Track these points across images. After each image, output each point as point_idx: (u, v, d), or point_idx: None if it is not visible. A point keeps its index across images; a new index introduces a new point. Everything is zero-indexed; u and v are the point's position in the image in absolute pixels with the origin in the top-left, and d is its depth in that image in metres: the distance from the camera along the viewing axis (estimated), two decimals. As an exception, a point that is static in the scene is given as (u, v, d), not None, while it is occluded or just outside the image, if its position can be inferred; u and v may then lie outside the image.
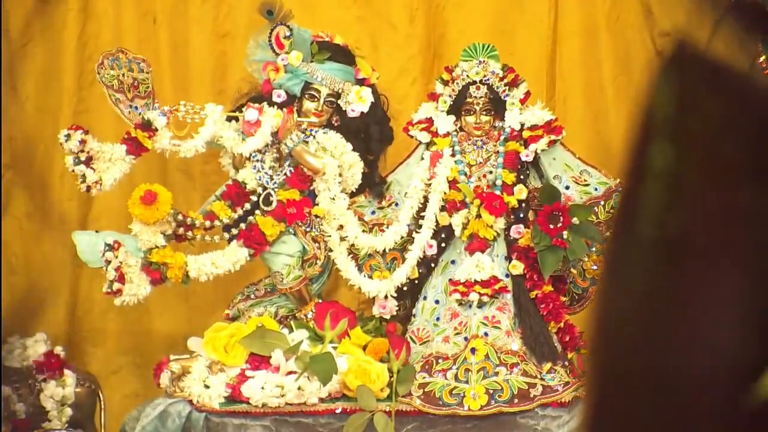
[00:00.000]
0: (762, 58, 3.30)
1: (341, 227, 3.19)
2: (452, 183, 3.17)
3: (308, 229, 3.20)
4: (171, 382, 2.99)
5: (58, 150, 3.34)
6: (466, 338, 3.05)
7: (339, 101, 3.19)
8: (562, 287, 3.17)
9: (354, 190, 3.24)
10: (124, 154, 3.00)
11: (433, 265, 3.21)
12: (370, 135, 3.22)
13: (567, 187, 3.14)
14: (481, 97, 3.17)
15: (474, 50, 3.19)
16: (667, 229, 0.67)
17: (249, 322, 3.09)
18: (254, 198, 3.15)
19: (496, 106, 3.18)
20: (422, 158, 3.23)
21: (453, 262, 3.19)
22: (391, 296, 3.21)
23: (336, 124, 3.22)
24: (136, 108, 3.05)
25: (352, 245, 3.21)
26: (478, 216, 3.12)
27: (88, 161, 2.97)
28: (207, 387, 2.94)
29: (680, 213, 0.67)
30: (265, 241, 3.13)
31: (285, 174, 3.16)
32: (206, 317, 3.54)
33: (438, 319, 3.15)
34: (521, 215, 3.14)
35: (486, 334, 3.03)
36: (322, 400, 2.96)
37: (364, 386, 2.94)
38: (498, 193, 3.13)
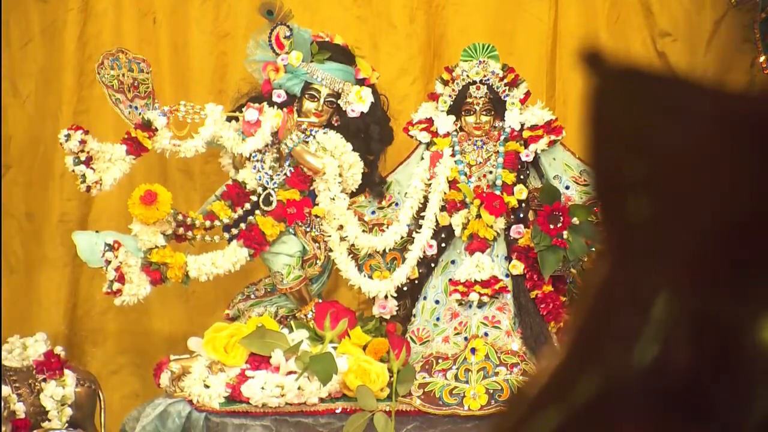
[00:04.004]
0: (762, 58, 3.29)
1: (341, 227, 3.19)
2: (452, 183, 3.17)
3: (308, 229, 3.21)
4: (171, 382, 2.99)
5: (58, 150, 3.34)
6: (466, 338, 3.05)
7: (339, 101, 3.19)
8: (562, 287, 3.16)
9: (354, 190, 3.24)
10: (124, 154, 3.00)
11: (433, 265, 3.21)
12: (370, 135, 3.22)
13: (567, 187, 3.14)
14: (481, 97, 3.17)
15: (474, 50, 3.19)
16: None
17: (249, 322, 3.09)
18: (254, 198, 3.15)
19: (496, 106, 3.18)
20: (422, 158, 3.24)
21: (453, 262, 3.19)
22: (391, 296, 3.21)
23: (336, 124, 3.22)
24: (136, 108, 3.06)
25: (352, 245, 3.21)
26: (478, 216, 3.12)
27: (88, 161, 2.97)
28: (207, 387, 2.94)
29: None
30: (265, 241, 3.13)
31: (285, 174, 3.16)
32: (206, 317, 3.55)
33: (438, 319, 3.15)
34: (521, 215, 3.14)
35: (486, 334, 3.03)
36: (322, 400, 2.96)
37: (364, 386, 2.94)
38: (498, 193, 3.13)
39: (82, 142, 2.96)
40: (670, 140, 0.64)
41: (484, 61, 3.17)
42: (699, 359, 0.64)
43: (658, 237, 0.64)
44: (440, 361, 3.04)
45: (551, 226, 3.06)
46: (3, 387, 3.03)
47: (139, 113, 3.05)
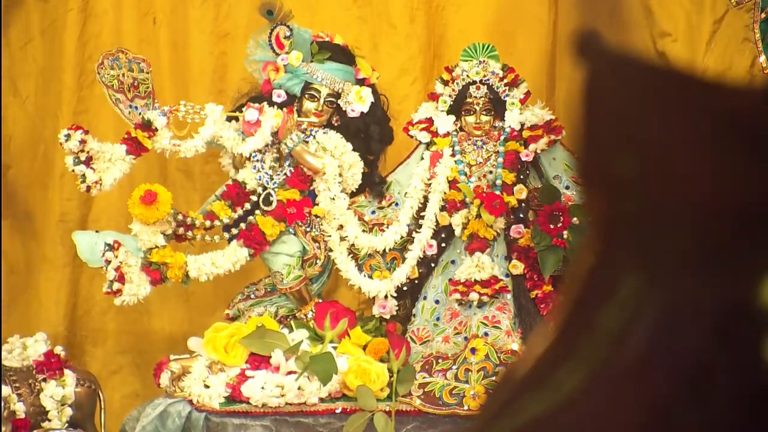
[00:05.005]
0: (762, 58, 3.29)
1: (341, 227, 3.19)
2: (452, 183, 3.18)
3: (308, 229, 3.21)
4: (171, 382, 2.99)
5: (58, 150, 3.34)
6: (466, 338, 3.05)
7: (339, 101, 3.19)
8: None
9: (354, 190, 3.24)
10: (124, 154, 3.00)
11: (433, 265, 3.21)
12: (370, 135, 3.22)
13: (567, 187, 3.14)
14: (481, 97, 3.17)
15: (474, 50, 3.19)
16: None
17: (249, 322, 3.09)
18: (254, 198, 3.15)
19: (496, 106, 3.18)
20: (422, 158, 3.24)
21: (453, 262, 3.19)
22: (391, 296, 3.21)
23: (336, 124, 3.22)
24: (136, 108, 3.06)
25: (352, 245, 3.21)
26: (478, 216, 3.12)
27: (88, 161, 2.97)
28: (207, 387, 2.94)
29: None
30: (265, 241, 3.13)
31: (285, 174, 3.17)
32: (206, 317, 3.55)
33: (438, 319, 3.15)
34: (521, 215, 3.14)
35: (486, 334, 3.03)
36: (322, 400, 2.96)
37: (364, 386, 2.94)
38: (498, 193, 3.13)
39: (82, 142, 2.96)
40: (661, 132, 0.64)
41: (484, 61, 3.17)
42: (688, 349, 0.64)
43: (646, 229, 0.64)
44: (440, 361, 3.04)
45: (551, 226, 3.06)
46: (3, 387, 3.03)
47: (139, 113, 3.05)
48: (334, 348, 3.04)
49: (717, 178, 0.63)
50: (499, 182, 3.14)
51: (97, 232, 3.11)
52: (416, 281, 3.20)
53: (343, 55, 3.22)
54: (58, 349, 3.16)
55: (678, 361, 0.64)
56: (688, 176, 0.63)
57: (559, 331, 0.69)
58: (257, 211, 3.15)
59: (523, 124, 3.17)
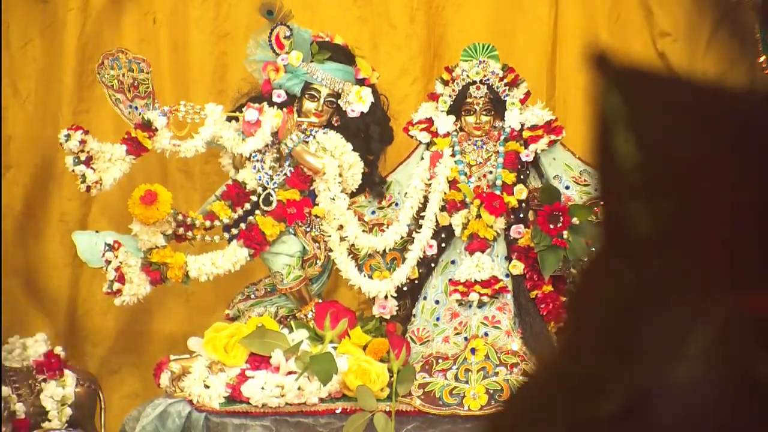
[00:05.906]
0: (762, 58, 3.30)
1: (341, 227, 3.19)
2: (452, 183, 3.17)
3: (308, 229, 3.21)
4: (171, 382, 2.99)
5: (58, 150, 3.34)
6: (466, 338, 3.05)
7: (339, 101, 3.19)
8: (562, 287, 3.16)
9: (354, 190, 3.24)
10: (124, 154, 3.00)
11: (433, 265, 3.21)
12: (370, 135, 3.22)
13: (567, 187, 3.14)
14: (481, 97, 3.17)
15: (474, 50, 3.19)
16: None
17: (249, 322, 3.09)
18: (254, 198, 3.15)
19: (496, 106, 3.18)
20: (422, 158, 3.24)
21: (453, 262, 3.19)
22: (391, 296, 3.21)
23: (336, 124, 3.22)
24: (136, 108, 3.06)
25: (352, 245, 3.21)
26: (478, 216, 3.12)
27: (88, 161, 2.97)
28: (207, 387, 2.94)
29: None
30: (265, 241, 3.13)
31: (285, 174, 3.17)
32: (206, 317, 3.55)
33: (438, 319, 3.15)
34: (521, 215, 3.14)
35: (486, 334, 3.03)
36: (322, 400, 2.96)
37: (364, 386, 2.94)
38: (498, 193, 3.13)
39: (82, 142, 2.96)
40: (674, 142, 0.64)
41: (484, 61, 3.17)
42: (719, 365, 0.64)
43: (661, 240, 0.64)
44: (440, 361, 3.04)
45: (551, 226, 3.06)
46: (3, 387, 3.03)
47: (139, 113, 3.05)
48: (334, 348, 3.04)
49: (722, 182, 0.63)
50: (499, 182, 3.14)
51: (97, 232, 3.11)
52: (416, 281, 3.20)
53: (343, 55, 3.22)
54: (58, 349, 3.17)
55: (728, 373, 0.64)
56: (702, 186, 0.63)
57: (566, 346, 0.69)
58: (257, 211, 3.15)
59: (523, 124, 3.17)
